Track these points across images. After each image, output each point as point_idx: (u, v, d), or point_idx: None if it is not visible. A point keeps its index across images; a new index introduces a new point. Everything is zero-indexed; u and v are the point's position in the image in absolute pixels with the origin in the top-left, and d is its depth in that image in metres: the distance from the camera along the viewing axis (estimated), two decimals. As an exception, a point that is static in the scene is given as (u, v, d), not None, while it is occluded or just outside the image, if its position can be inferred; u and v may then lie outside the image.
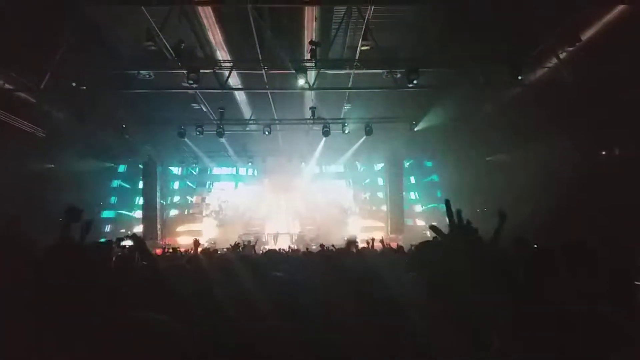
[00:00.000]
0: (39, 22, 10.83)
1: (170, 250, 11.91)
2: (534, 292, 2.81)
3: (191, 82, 12.34)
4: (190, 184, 26.06)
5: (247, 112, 17.66)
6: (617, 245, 5.83)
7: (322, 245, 10.77)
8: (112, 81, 13.57)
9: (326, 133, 17.77)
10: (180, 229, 24.14)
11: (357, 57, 12.96)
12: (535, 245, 5.21)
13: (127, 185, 24.54)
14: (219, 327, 2.39)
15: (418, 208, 25.55)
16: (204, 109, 17.11)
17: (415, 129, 18.21)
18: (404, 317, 2.64)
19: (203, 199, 25.52)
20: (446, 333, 2.53)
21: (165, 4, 10.68)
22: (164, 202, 24.55)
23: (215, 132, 17.69)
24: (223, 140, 18.94)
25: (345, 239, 9.35)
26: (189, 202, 25.79)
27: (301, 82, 13.04)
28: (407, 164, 25.13)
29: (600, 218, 12.09)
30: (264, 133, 17.98)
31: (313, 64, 12.71)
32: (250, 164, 24.19)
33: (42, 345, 2.04)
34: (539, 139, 15.52)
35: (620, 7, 10.31)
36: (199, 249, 9.04)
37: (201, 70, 12.57)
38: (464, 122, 17.59)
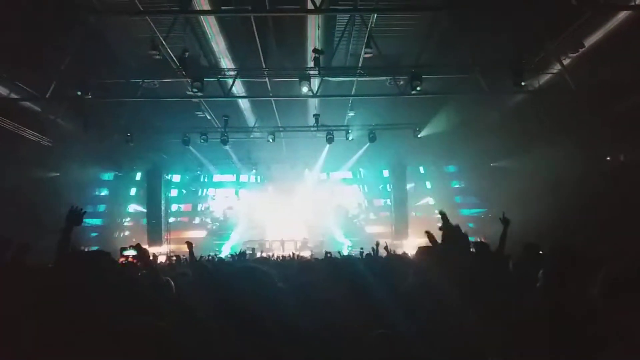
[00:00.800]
0: (44, 32, 10.95)
1: (174, 258, 11.91)
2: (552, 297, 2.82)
3: (195, 90, 12.42)
4: (194, 191, 26.09)
5: (251, 119, 17.72)
6: (622, 251, 5.79)
7: (327, 253, 10.76)
8: (117, 90, 13.67)
9: (330, 140, 17.79)
10: (185, 236, 24.14)
11: (360, 64, 13.02)
12: (540, 252, 5.19)
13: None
14: (218, 334, 2.39)
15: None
16: (208, 117, 17.20)
17: (419, 136, 18.20)
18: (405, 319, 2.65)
19: (207, 206, 25.56)
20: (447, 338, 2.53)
21: (169, 14, 10.79)
22: (170, 210, 24.62)
23: (219, 140, 17.75)
24: (227, 147, 18.99)
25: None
26: (194, 209, 25.82)
27: (305, 89, 13.07)
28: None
29: (605, 224, 12.02)
30: (268, 140, 18.03)
31: (316, 72, 12.78)
32: (254, 171, 24.22)
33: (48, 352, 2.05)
34: (543, 145, 15.47)
35: (623, 13, 10.30)
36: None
37: (205, 79, 12.65)
38: (468, 128, 17.57)
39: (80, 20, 10.75)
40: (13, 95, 13.27)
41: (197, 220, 25.52)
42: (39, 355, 2.17)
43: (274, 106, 16.17)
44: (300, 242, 22.48)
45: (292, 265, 7.32)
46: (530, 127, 15.14)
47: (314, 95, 13.93)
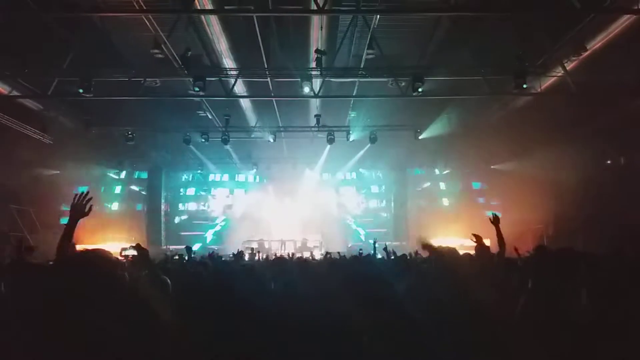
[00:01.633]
0: (46, 30, 10.95)
1: (177, 257, 11.87)
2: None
3: (197, 89, 12.42)
4: (194, 190, 26.09)
5: (252, 119, 17.72)
6: (623, 252, 5.80)
7: (327, 253, 10.78)
8: (119, 88, 13.67)
9: (331, 141, 17.79)
10: (184, 234, 24.13)
11: (362, 65, 13.01)
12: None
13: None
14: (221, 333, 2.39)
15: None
16: (210, 116, 17.20)
17: (420, 137, 18.19)
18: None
19: (207, 206, 25.56)
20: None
21: (172, 13, 10.79)
22: (168, 209, 24.62)
23: (220, 139, 17.76)
24: (228, 147, 19.00)
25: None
26: (193, 208, 25.81)
27: (306, 89, 13.08)
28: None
29: (605, 226, 12.03)
30: (269, 140, 18.03)
31: (318, 72, 12.77)
32: (255, 170, 24.23)
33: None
34: (544, 148, 15.48)
35: (625, 17, 10.30)
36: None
37: (207, 78, 12.65)
38: (469, 131, 17.57)
39: (83, 18, 10.76)
40: (15, 93, 13.27)
41: (196, 220, 25.49)
42: (37, 355, 2.16)
43: (275, 106, 16.18)
44: (300, 242, 22.48)
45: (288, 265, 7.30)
46: (531, 129, 15.13)
47: (316, 96, 13.93)
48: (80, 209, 3.19)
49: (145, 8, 10.24)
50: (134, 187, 24.89)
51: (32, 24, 10.39)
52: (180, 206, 25.77)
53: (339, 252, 12.39)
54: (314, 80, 13.08)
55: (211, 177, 25.38)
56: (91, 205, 3.22)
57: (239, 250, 13.75)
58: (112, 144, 18.87)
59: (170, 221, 24.63)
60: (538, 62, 12.73)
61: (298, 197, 24.34)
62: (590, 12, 10.11)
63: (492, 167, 21.46)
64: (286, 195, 24.37)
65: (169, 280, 3.96)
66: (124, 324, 2.21)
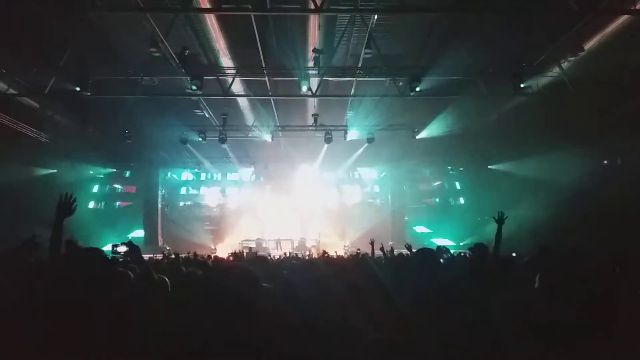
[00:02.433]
0: (43, 28, 10.90)
1: (173, 256, 11.83)
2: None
3: (195, 88, 12.40)
4: (191, 189, 26.05)
5: (249, 118, 17.70)
6: (621, 253, 5.81)
7: (324, 252, 10.76)
8: (116, 87, 13.63)
9: (328, 140, 17.80)
10: (181, 233, 24.05)
11: (360, 64, 13.01)
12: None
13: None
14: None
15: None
16: (207, 115, 17.16)
17: (417, 137, 18.21)
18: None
19: (204, 205, 25.51)
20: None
21: (170, 12, 10.76)
22: (166, 208, 24.57)
23: (217, 138, 17.73)
24: (225, 146, 18.97)
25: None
26: (190, 207, 25.75)
27: (304, 89, 13.08)
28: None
29: (603, 226, 12.04)
30: (267, 139, 18.01)
31: (316, 71, 12.77)
32: (252, 169, 24.20)
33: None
34: (541, 148, 15.49)
35: (622, 18, 10.34)
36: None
37: (205, 77, 12.63)
38: (467, 130, 17.59)
39: (80, 16, 10.71)
40: (11, 91, 13.21)
41: (193, 219, 25.43)
42: (35, 353, 2.16)
43: (273, 105, 16.16)
44: (297, 241, 22.46)
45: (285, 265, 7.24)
46: (529, 129, 15.15)
47: (313, 95, 13.93)
48: (66, 208, 3.29)
49: (143, 6, 10.21)
50: (129, 186, 24.90)
51: (29, 21, 10.32)
52: (176, 205, 25.74)
53: (336, 252, 12.34)
54: (311, 79, 13.08)
55: (216, 176, 25.38)
56: (75, 205, 3.34)
57: (236, 250, 13.68)
58: (109, 143, 18.80)
59: (166, 219, 24.54)
60: (535, 62, 12.76)
61: (295, 196, 24.31)
62: (587, 12, 10.13)
63: (489, 167, 21.47)
64: (283, 194, 24.34)
65: (167, 280, 3.95)
66: (124, 324, 2.21)
